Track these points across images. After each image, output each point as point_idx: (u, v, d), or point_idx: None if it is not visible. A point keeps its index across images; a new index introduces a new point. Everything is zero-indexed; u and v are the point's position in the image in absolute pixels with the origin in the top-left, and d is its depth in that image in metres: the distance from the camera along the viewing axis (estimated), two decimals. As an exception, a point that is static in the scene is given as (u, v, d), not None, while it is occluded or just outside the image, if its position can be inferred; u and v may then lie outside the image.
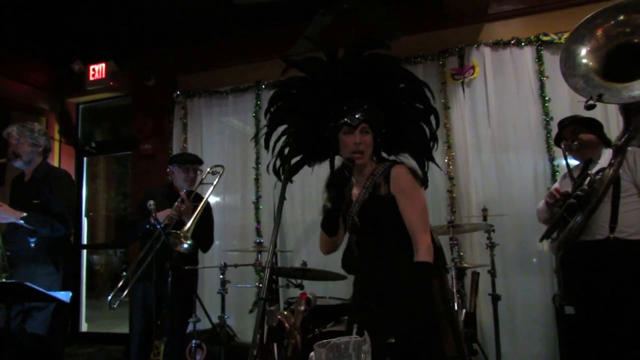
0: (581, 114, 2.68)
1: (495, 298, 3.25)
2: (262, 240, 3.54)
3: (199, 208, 2.98)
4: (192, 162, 3.24)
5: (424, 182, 1.86)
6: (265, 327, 1.53)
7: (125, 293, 2.83)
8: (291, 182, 1.79)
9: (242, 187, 4.61)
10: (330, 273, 2.75)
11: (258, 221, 4.47)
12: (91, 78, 5.07)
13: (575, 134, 2.66)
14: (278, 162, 1.97)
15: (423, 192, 1.85)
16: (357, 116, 1.77)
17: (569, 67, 2.58)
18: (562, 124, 2.78)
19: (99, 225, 6.46)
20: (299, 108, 1.90)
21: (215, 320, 3.22)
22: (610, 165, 2.42)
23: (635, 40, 2.46)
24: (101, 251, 6.59)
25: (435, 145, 1.88)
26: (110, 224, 6.58)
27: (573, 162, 2.76)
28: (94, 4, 4.12)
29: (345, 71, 1.80)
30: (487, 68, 3.94)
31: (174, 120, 4.89)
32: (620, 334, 2.36)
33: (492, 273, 3.26)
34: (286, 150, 1.93)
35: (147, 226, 2.95)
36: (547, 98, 3.78)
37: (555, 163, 3.70)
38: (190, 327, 3.04)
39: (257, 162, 4.51)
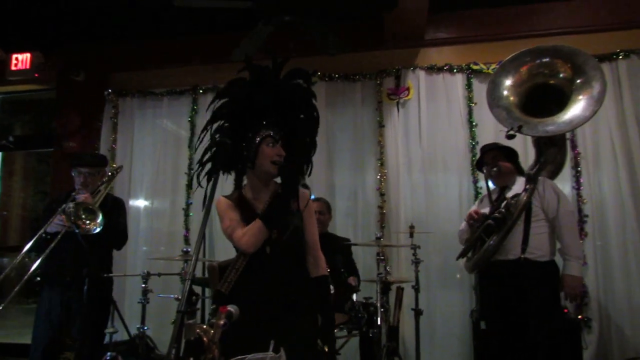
0: (502, 142, 2.88)
1: (417, 313, 3.34)
2: (189, 249, 3.42)
3: (102, 189, 2.90)
4: (77, 166, 2.99)
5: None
6: (183, 341, 1.48)
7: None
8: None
9: (172, 193, 4.46)
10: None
11: (187, 228, 4.34)
12: (13, 67, 4.76)
13: (496, 160, 2.85)
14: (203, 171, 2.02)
15: None
16: (277, 130, 1.96)
17: (494, 98, 2.86)
18: (484, 149, 2.98)
19: (12, 226, 5.99)
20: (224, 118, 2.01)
21: (134, 331, 3.06)
22: (524, 191, 2.66)
23: (551, 82, 2.77)
24: (13, 254, 6.10)
25: (314, 151, 2.08)
26: (25, 224, 6.11)
27: (492, 186, 2.95)
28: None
29: (264, 94, 1.97)
30: (421, 90, 4.12)
31: (103, 118, 4.66)
32: (525, 347, 2.55)
33: (416, 288, 3.35)
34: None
35: (44, 235, 2.79)
36: (474, 123, 4.00)
37: (478, 185, 3.91)
38: (106, 339, 2.87)
39: (190, 168, 4.39)
